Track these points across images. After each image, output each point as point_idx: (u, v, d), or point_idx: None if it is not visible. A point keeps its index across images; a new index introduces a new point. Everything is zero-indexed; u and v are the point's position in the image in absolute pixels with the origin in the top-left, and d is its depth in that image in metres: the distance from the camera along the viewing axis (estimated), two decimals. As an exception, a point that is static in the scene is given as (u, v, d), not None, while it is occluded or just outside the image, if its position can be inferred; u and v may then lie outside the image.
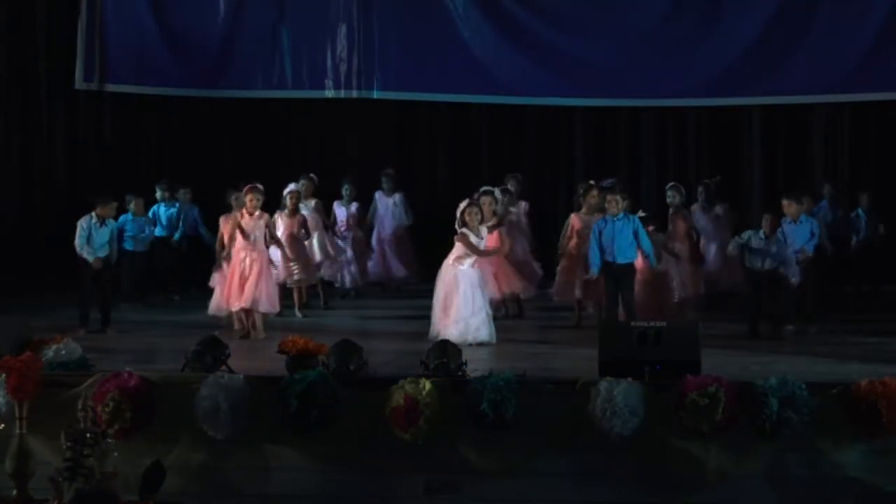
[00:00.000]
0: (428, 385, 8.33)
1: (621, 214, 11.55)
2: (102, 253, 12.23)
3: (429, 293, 11.79)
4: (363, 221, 15.10)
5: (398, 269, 15.42)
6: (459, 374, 8.76)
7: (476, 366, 9.14)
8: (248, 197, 11.94)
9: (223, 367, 8.92)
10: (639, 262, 11.79)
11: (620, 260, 11.44)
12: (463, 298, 11.25)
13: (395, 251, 15.39)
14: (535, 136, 17.33)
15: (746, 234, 11.86)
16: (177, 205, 14.99)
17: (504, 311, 12.80)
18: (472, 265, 11.40)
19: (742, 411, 8.21)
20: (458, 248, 11.42)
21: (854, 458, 8.33)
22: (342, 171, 15.60)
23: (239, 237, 11.83)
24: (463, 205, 11.51)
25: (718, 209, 14.28)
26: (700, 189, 14.21)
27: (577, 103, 16.53)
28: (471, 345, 10.84)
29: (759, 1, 15.69)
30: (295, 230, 13.34)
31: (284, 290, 13.10)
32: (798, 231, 12.10)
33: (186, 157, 16.22)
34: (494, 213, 12.41)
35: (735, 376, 8.66)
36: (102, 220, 12.32)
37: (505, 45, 16.02)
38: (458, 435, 8.43)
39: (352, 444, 8.51)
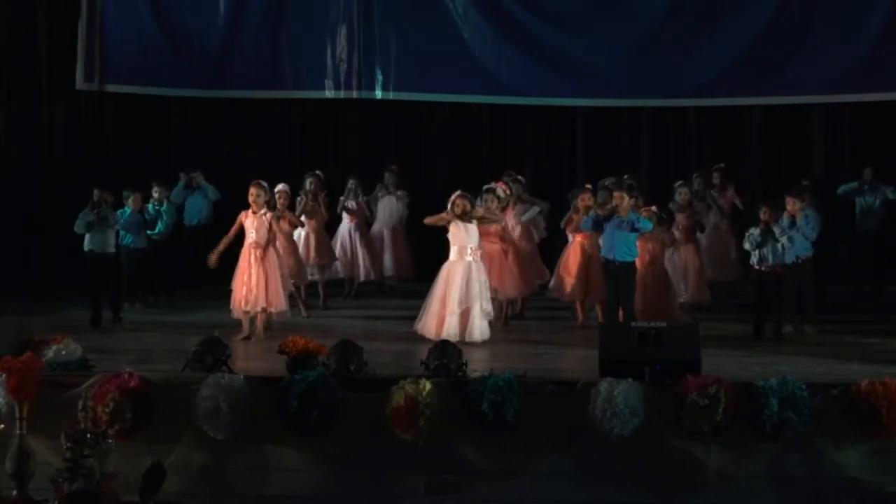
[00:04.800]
0: (428, 385, 8.34)
1: (630, 213, 11.51)
2: (98, 245, 12.30)
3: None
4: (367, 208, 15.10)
5: (388, 268, 15.36)
6: (460, 374, 8.77)
7: (476, 366, 9.14)
8: (250, 192, 11.89)
9: (223, 368, 8.92)
10: (639, 261, 11.77)
11: (619, 258, 11.42)
12: (457, 290, 11.29)
13: (389, 249, 15.35)
14: (535, 136, 17.33)
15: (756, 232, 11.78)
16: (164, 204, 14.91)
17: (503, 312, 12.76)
18: (471, 257, 11.43)
19: (742, 412, 8.22)
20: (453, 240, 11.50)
21: (854, 459, 8.34)
22: (342, 170, 15.58)
23: (247, 236, 11.82)
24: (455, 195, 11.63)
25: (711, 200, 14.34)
26: (697, 180, 14.28)
27: (577, 103, 16.52)
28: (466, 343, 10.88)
29: (760, 1, 15.68)
30: (287, 229, 13.28)
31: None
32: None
33: (186, 157, 16.19)
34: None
35: (735, 377, 8.68)
36: (97, 207, 12.36)
37: (505, 46, 16.02)
38: (458, 435, 8.44)
39: (352, 445, 8.52)
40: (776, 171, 16.73)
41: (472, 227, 11.51)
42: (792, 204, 12.01)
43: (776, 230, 11.62)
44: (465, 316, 11.26)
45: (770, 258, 11.65)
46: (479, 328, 11.27)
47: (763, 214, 11.76)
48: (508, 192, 12.93)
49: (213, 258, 11.83)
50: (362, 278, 14.89)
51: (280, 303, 11.84)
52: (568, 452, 8.46)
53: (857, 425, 8.26)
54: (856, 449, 8.34)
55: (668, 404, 8.29)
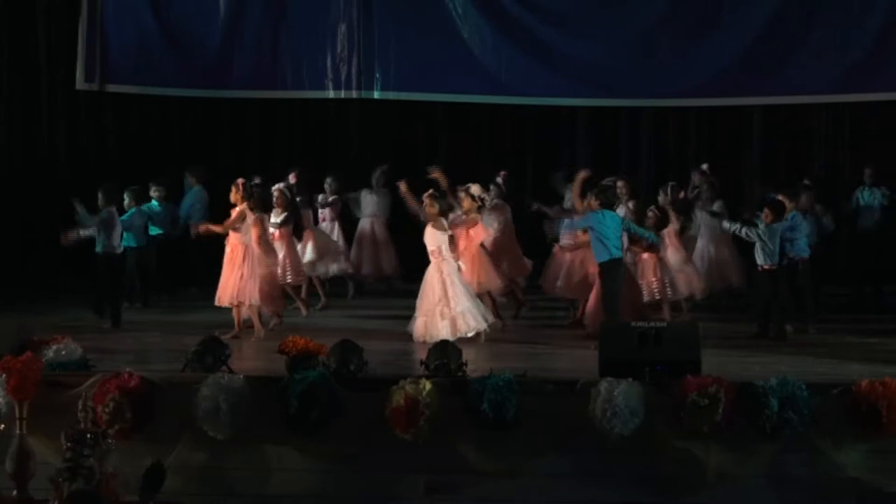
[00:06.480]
0: (428, 385, 8.35)
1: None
2: (102, 246, 12.30)
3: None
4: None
5: (368, 268, 15.29)
6: (460, 374, 8.77)
7: (476, 366, 9.15)
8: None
9: (223, 368, 8.92)
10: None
11: (597, 259, 11.40)
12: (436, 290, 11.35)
13: (372, 247, 15.29)
14: (535, 136, 17.33)
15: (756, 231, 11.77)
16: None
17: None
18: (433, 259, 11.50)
19: (742, 412, 8.23)
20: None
21: (854, 458, 8.35)
22: (342, 171, 15.57)
23: (231, 234, 11.84)
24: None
25: (716, 206, 14.19)
26: (705, 186, 14.20)
27: (578, 103, 16.52)
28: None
29: (759, 1, 15.69)
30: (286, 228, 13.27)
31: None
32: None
33: (186, 156, 16.20)
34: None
35: (735, 376, 8.67)
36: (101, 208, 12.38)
37: (505, 45, 16.02)
38: (458, 435, 8.45)
39: (352, 445, 8.52)
40: (776, 171, 16.73)
41: (428, 230, 11.53)
42: (788, 204, 12.03)
43: (764, 233, 11.63)
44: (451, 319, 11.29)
45: (771, 258, 11.65)
46: (443, 327, 11.12)
47: (764, 217, 11.77)
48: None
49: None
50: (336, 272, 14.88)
51: (253, 295, 11.73)
52: (568, 452, 8.46)
53: (857, 425, 8.26)
54: (856, 449, 8.34)
55: (668, 404, 8.29)
